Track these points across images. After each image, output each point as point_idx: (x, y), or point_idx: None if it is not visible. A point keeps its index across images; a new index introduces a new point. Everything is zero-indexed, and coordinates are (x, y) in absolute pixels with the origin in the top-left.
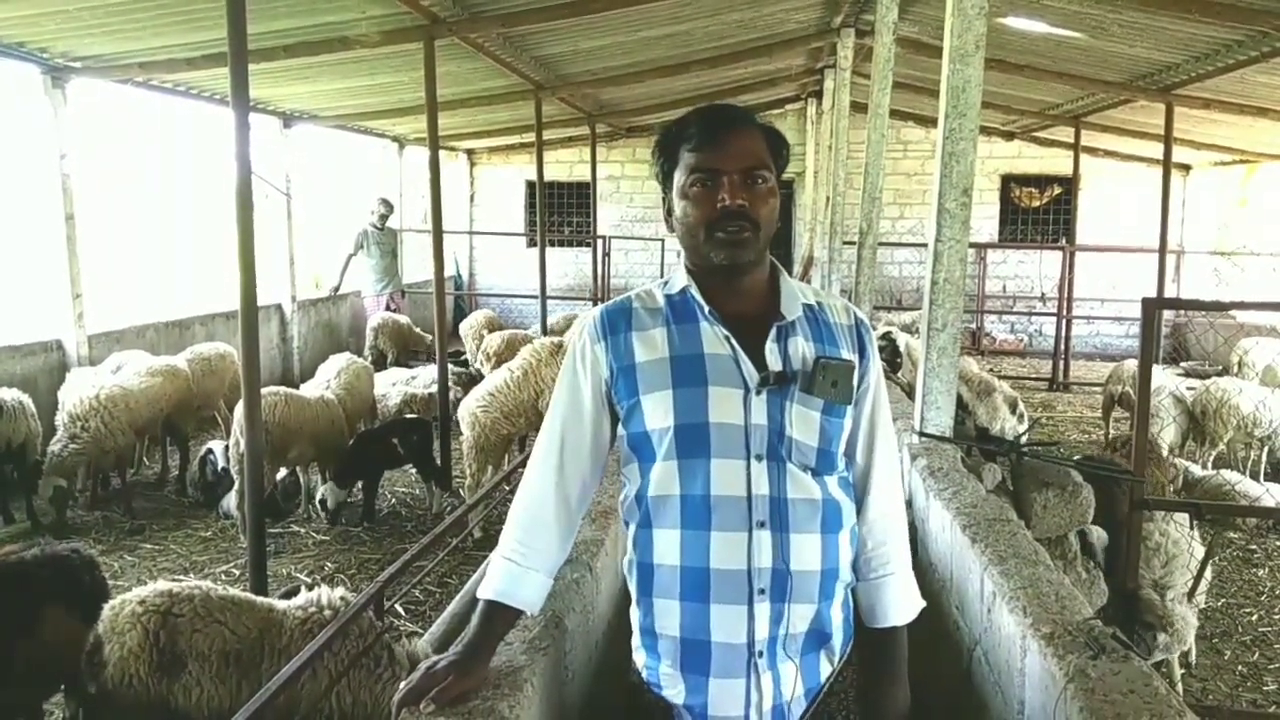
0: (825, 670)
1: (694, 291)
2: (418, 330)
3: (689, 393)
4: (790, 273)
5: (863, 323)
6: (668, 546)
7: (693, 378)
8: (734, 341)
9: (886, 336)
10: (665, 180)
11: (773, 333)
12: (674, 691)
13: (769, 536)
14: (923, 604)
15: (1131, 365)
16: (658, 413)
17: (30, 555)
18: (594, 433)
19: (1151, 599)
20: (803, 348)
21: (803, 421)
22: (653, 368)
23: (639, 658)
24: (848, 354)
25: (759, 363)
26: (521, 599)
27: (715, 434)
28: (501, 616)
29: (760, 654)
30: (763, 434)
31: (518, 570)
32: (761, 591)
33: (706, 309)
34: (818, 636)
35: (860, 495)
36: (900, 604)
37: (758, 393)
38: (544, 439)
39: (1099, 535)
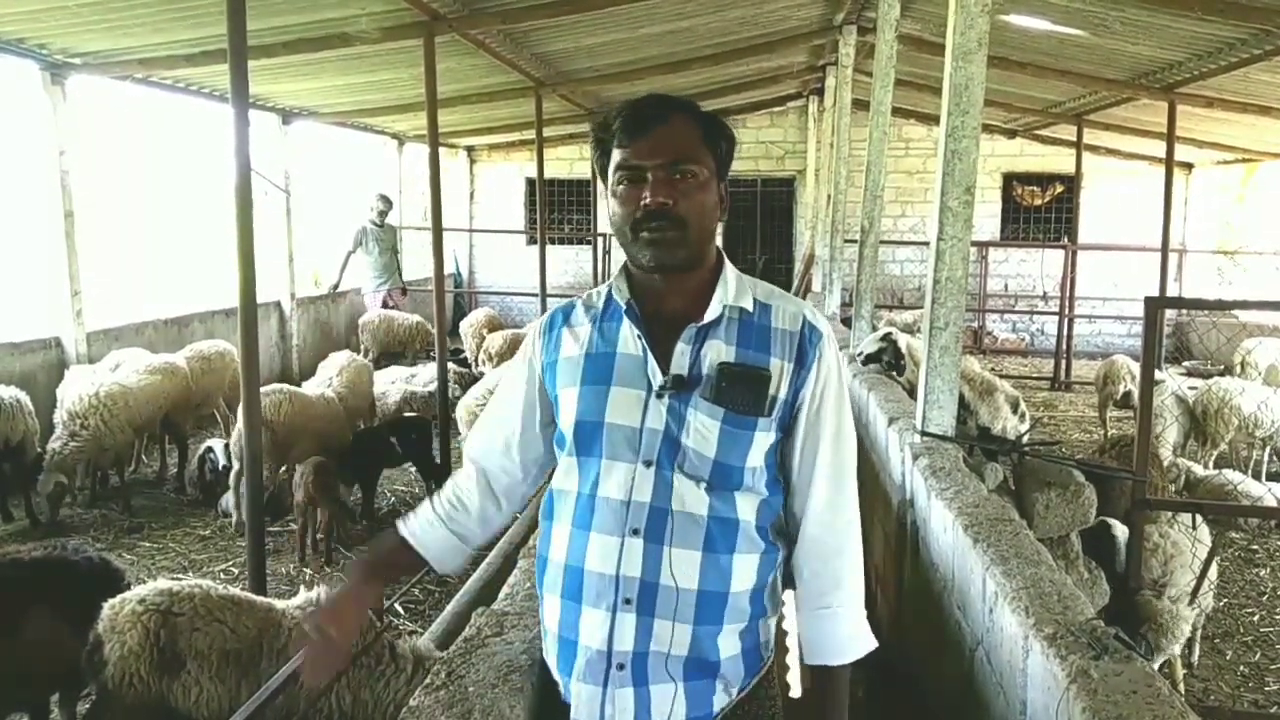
0: (719, 701)
1: (615, 290)
2: (414, 318)
3: (593, 391)
4: (791, 271)
5: (813, 331)
6: (558, 542)
7: (600, 376)
8: (645, 342)
9: (887, 338)
10: (603, 177)
11: (687, 333)
12: (559, 687)
13: (640, 546)
14: (873, 645)
15: (1123, 361)
16: (567, 409)
17: (28, 556)
18: (525, 423)
19: (1144, 603)
20: (718, 351)
21: (701, 430)
22: (569, 364)
23: (542, 646)
24: (776, 362)
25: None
26: (429, 548)
27: (608, 434)
28: (406, 554)
29: (621, 666)
30: (655, 439)
31: (435, 521)
32: (627, 601)
33: (624, 307)
34: (700, 663)
35: (796, 519)
36: (838, 644)
37: (659, 396)
38: (482, 418)
39: (1121, 529)
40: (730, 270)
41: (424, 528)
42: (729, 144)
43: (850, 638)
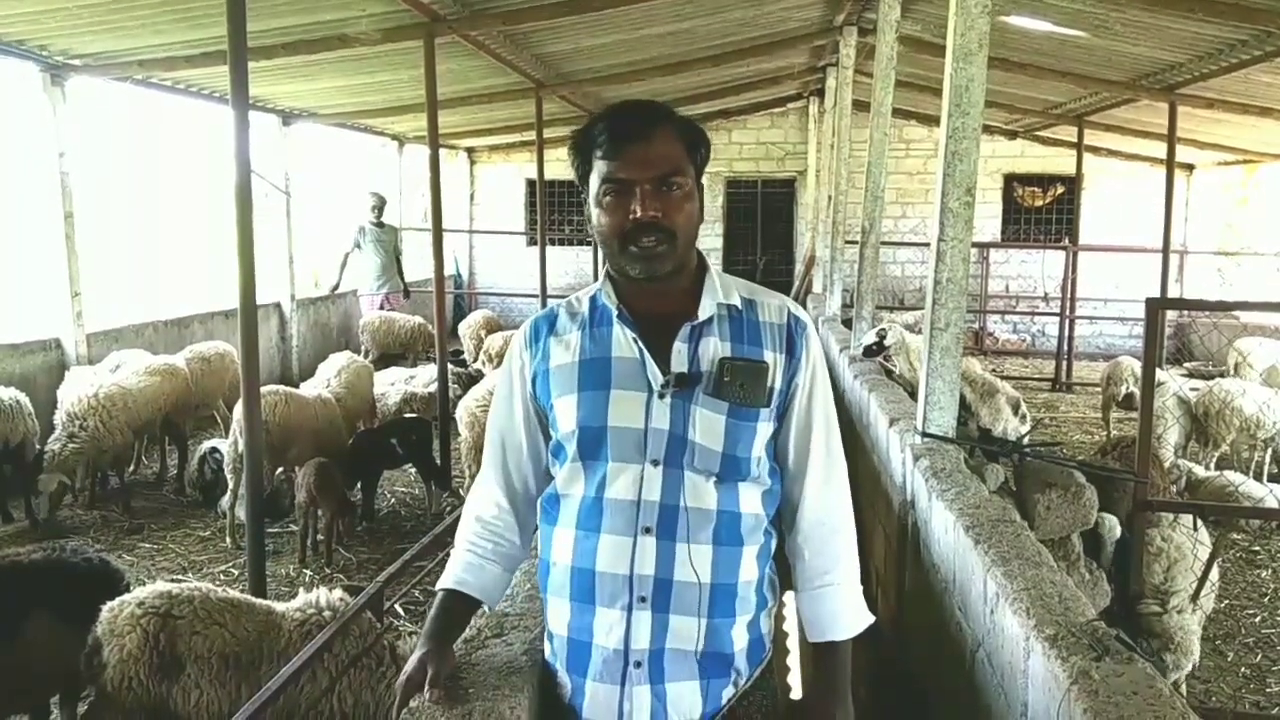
0: (727, 693)
1: (604, 295)
2: (415, 319)
3: (592, 396)
4: (792, 272)
5: (797, 322)
6: (562, 545)
7: (598, 381)
8: (641, 344)
9: (881, 332)
10: (583, 183)
11: (683, 332)
12: (565, 690)
13: (653, 544)
14: (870, 619)
15: (1128, 362)
16: (566, 416)
17: (28, 558)
18: (529, 437)
19: (1152, 616)
20: (715, 348)
21: (707, 425)
22: (562, 372)
23: (546, 649)
24: (770, 354)
25: (669, 365)
26: (480, 589)
27: (613, 438)
28: (459, 606)
29: (638, 664)
30: (661, 438)
31: (477, 560)
32: (643, 599)
33: (616, 312)
34: (715, 657)
35: (794, 503)
36: (841, 617)
37: (661, 396)
38: (487, 445)
39: (1110, 524)
40: (714, 271)
41: (474, 573)
42: (707, 149)
43: (852, 612)
